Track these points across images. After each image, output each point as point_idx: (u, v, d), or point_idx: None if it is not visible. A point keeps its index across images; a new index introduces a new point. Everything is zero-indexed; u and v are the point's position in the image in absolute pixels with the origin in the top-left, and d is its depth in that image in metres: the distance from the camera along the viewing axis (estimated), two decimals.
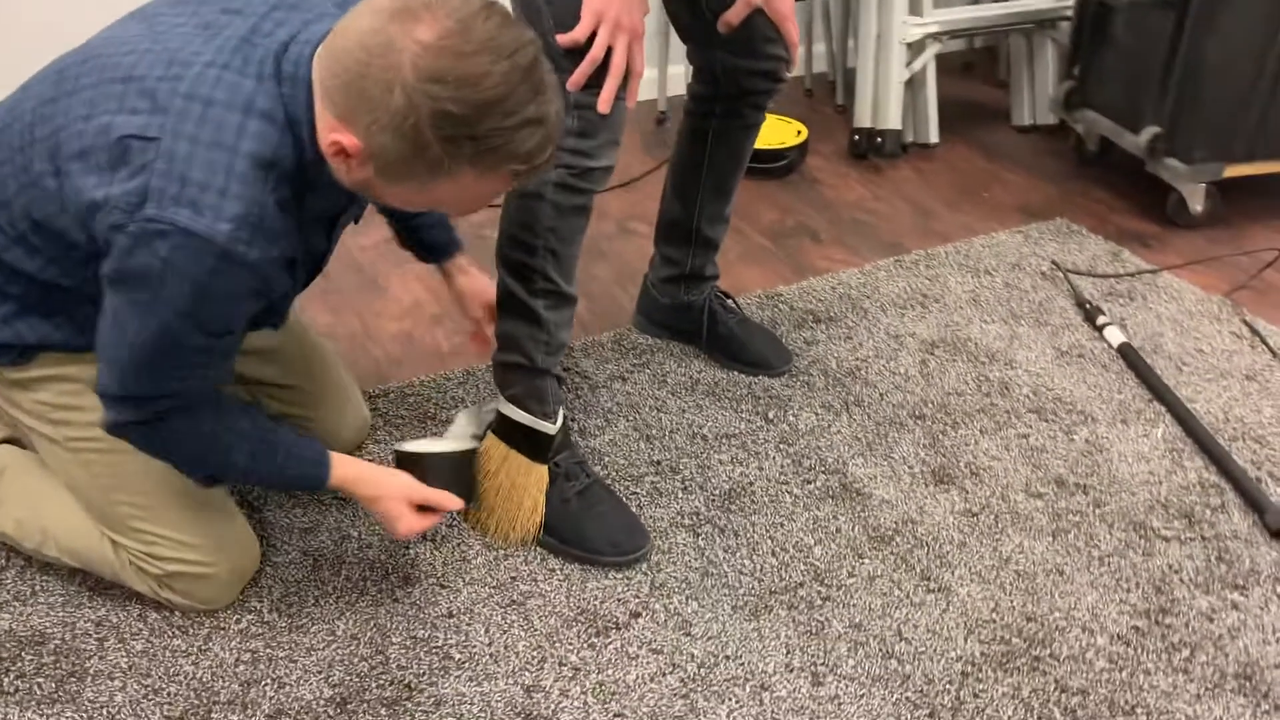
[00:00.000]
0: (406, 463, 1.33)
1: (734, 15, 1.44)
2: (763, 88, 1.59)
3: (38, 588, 1.38)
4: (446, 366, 1.84)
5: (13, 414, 1.28)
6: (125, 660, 1.28)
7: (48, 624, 1.33)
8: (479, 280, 1.54)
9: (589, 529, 1.42)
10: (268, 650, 1.30)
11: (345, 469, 1.26)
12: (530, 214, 1.35)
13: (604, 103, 1.24)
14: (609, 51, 1.22)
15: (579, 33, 1.21)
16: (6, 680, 1.26)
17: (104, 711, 1.22)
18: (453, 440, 1.40)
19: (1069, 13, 2.49)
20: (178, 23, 1.10)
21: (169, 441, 1.18)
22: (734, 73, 1.57)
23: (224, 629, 1.33)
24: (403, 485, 1.29)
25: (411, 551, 1.45)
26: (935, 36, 2.51)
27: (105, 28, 1.17)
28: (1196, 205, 2.23)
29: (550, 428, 1.41)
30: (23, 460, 1.40)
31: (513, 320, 1.42)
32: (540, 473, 1.43)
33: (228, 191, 1.00)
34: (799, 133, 2.54)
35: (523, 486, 1.44)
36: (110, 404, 1.14)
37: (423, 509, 1.30)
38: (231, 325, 1.11)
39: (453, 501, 1.31)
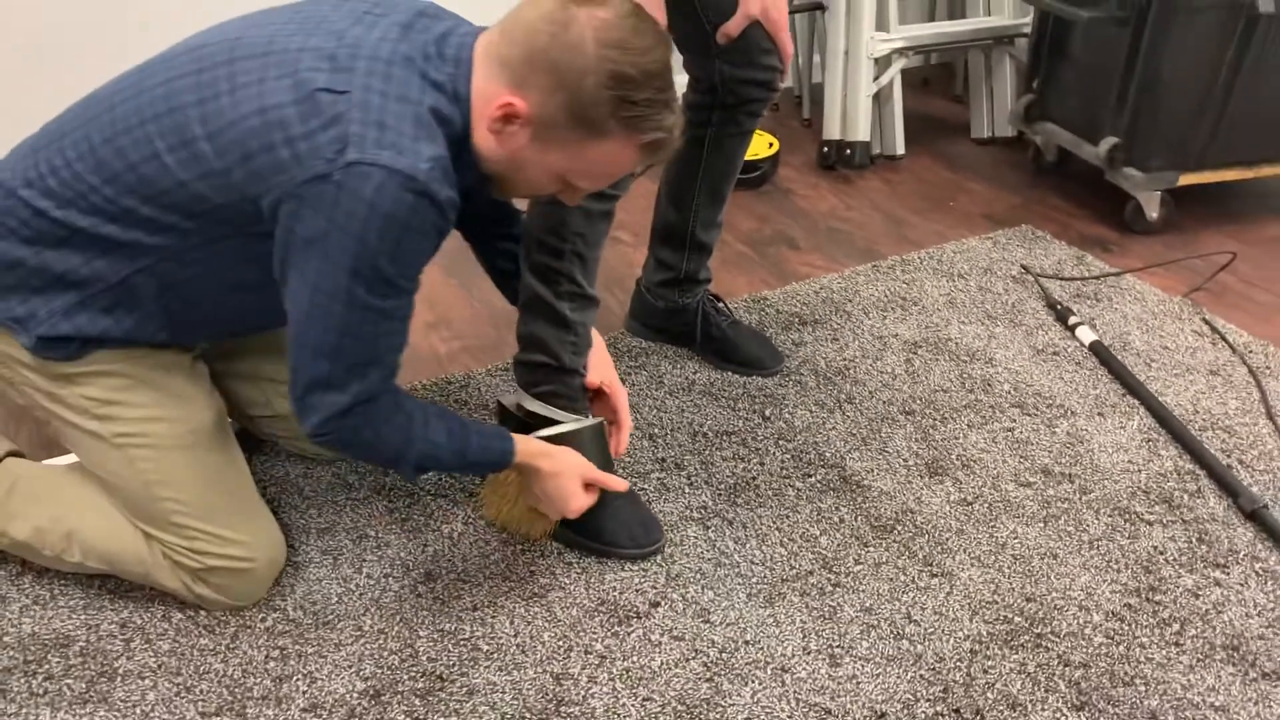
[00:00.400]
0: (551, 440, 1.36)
1: (733, 27, 1.51)
2: (759, 96, 1.65)
3: (56, 592, 1.38)
4: (446, 371, 1.87)
5: (53, 409, 1.28)
6: (154, 660, 1.29)
7: (71, 626, 1.33)
8: (604, 362, 1.53)
9: (607, 523, 1.45)
10: (296, 647, 1.32)
11: (528, 445, 1.30)
12: (558, 219, 1.39)
13: None
14: None
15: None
16: (35, 682, 1.25)
17: (137, 710, 1.23)
18: (572, 420, 1.43)
19: (1027, 29, 2.61)
20: (328, 12, 1.16)
21: (379, 426, 1.18)
22: (732, 82, 1.63)
23: (251, 627, 1.34)
24: (579, 464, 1.34)
25: (430, 548, 1.47)
26: (901, 52, 2.60)
27: (219, 25, 1.21)
28: (1153, 212, 2.35)
29: (577, 421, 1.45)
30: (35, 470, 1.40)
31: (539, 322, 1.46)
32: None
33: (420, 137, 1.07)
34: (771, 144, 2.61)
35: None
36: (318, 396, 1.15)
37: (588, 488, 1.35)
38: (419, 270, 1.14)
39: (618, 482, 1.37)
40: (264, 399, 1.52)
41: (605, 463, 1.41)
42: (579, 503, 1.34)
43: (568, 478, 1.32)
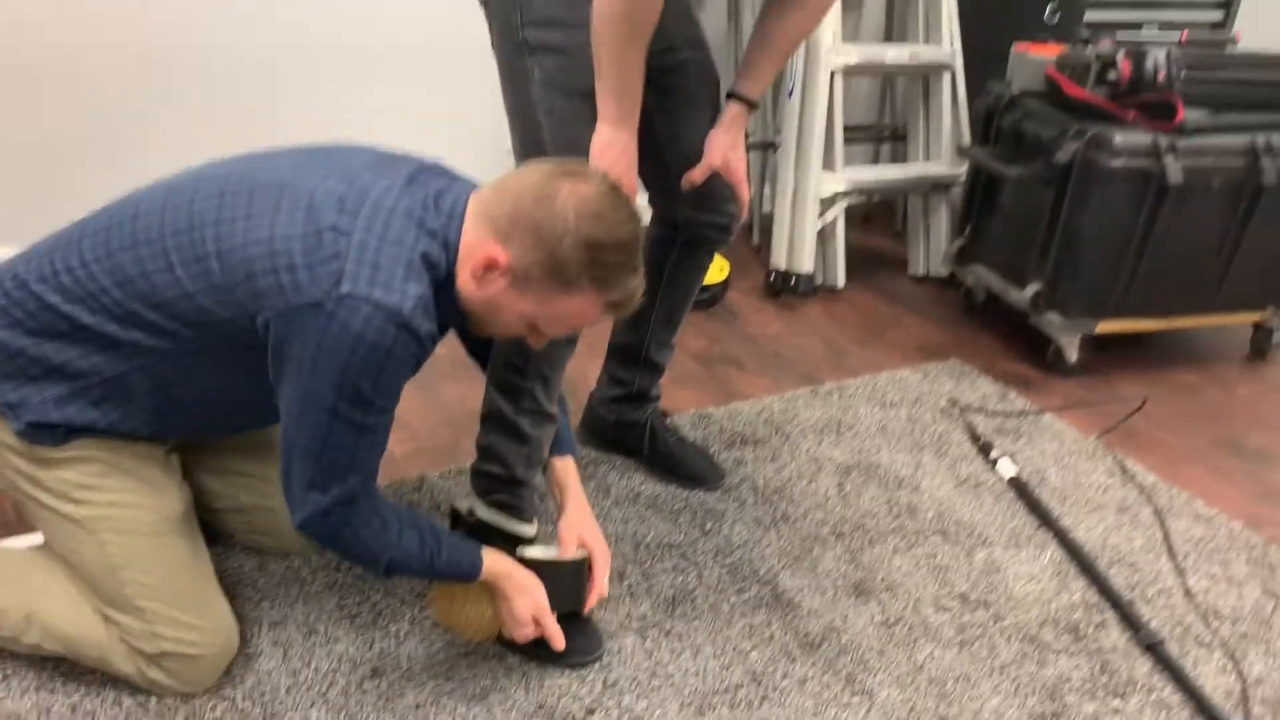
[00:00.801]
0: (528, 567, 1.44)
1: (697, 175, 1.65)
2: (717, 237, 1.79)
3: (9, 672, 1.41)
4: (402, 472, 1.94)
5: (29, 490, 1.34)
6: None
7: (23, 708, 1.36)
8: (577, 517, 1.56)
9: None
10: None
11: (495, 563, 1.39)
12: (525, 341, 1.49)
13: None
14: None
15: None
16: None
17: None
18: (555, 549, 1.51)
19: (962, 178, 2.81)
20: (347, 157, 1.29)
21: (357, 527, 1.27)
22: (693, 224, 1.77)
23: (199, 716, 1.38)
24: (536, 598, 1.42)
25: (377, 645, 1.53)
26: (845, 193, 2.79)
27: (249, 154, 1.32)
28: (1073, 355, 2.52)
29: (529, 530, 1.53)
30: (2, 554, 1.44)
31: (498, 435, 1.55)
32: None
33: (408, 278, 1.18)
34: (722, 269, 2.76)
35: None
36: (304, 497, 1.23)
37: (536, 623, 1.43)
38: (397, 392, 1.24)
39: (559, 640, 1.45)
40: (230, 493, 1.58)
41: (577, 598, 1.49)
42: (523, 633, 1.42)
43: (522, 607, 1.40)
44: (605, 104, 1.42)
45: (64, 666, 1.42)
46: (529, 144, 1.51)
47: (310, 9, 2.53)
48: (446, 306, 1.27)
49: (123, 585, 1.34)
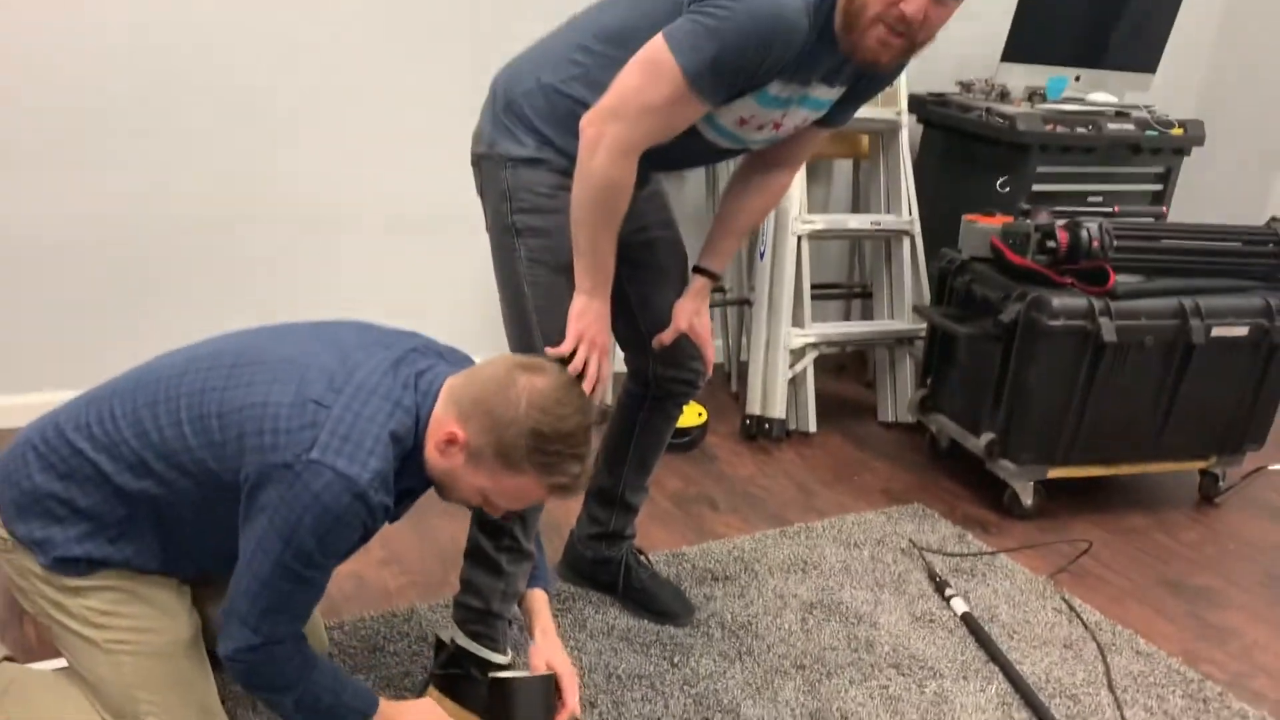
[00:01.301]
0: (496, 686, 1.59)
1: (666, 337, 1.86)
2: (684, 392, 1.99)
3: None
4: (393, 604, 2.09)
5: (55, 615, 1.50)
6: None
7: None
8: (546, 643, 1.71)
9: None
10: None
11: (390, 706, 1.52)
12: None
13: None
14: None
15: (566, 347, 1.60)
16: None
17: None
18: (526, 673, 1.66)
19: (922, 334, 3.03)
20: (344, 336, 1.49)
21: (278, 666, 1.42)
22: (663, 379, 1.97)
23: None
24: (429, 711, 1.56)
25: None
26: (814, 345, 3.01)
27: (255, 332, 1.53)
28: (1026, 499, 2.69)
29: (501, 658, 1.68)
30: (26, 674, 1.59)
31: (478, 570, 1.72)
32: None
33: (373, 453, 1.35)
34: (700, 414, 2.96)
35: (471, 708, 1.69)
36: (237, 629, 1.39)
37: None
38: (340, 553, 1.40)
39: None
40: None
41: (548, 711, 1.62)
42: None
43: None
44: (582, 277, 1.64)
45: None
46: (516, 310, 1.72)
47: (329, 187, 2.81)
48: (414, 473, 1.44)
49: (136, 703, 1.48)
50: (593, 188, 1.56)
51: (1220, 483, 2.90)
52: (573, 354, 1.58)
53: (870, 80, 1.69)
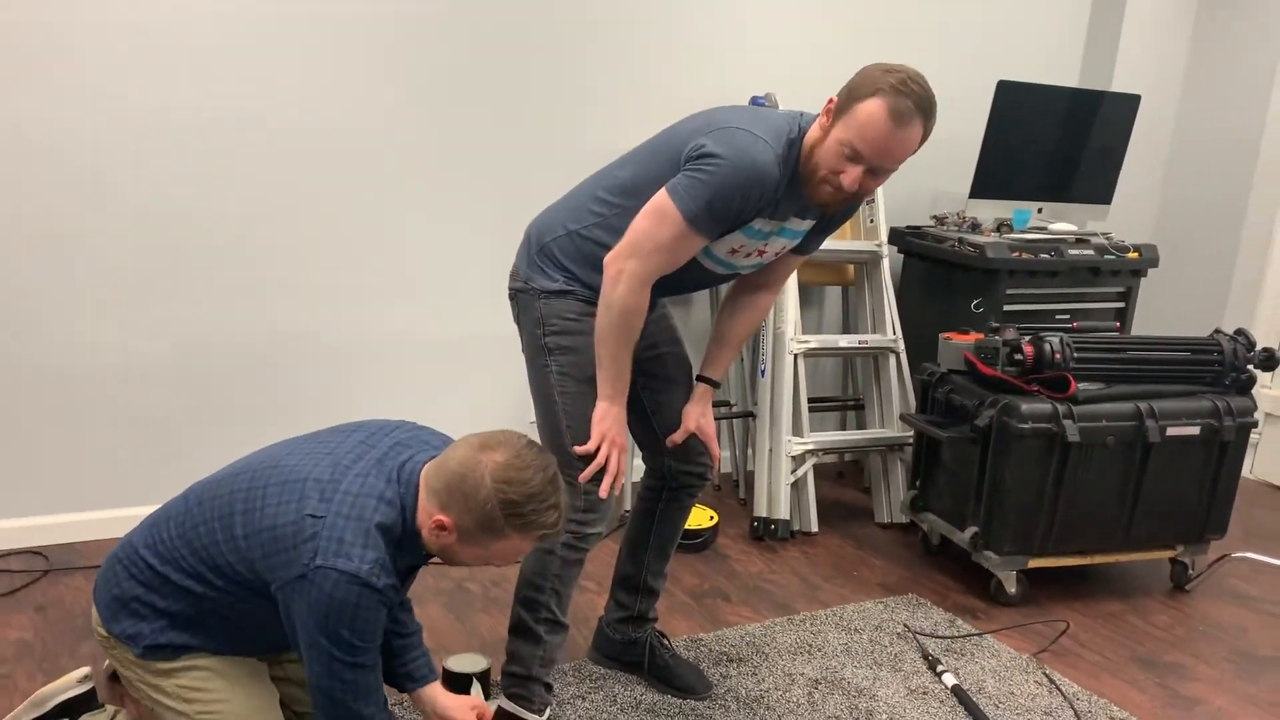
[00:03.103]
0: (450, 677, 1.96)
1: (678, 437, 2.19)
2: (695, 484, 2.30)
3: None
4: None
5: (154, 695, 1.79)
6: None
7: None
8: (448, 708, 1.94)
9: None
10: None
11: None
12: (544, 564, 1.99)
13: (603, 490, 1.93)
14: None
15: (590, 446, 1.92)
16: None
17: None
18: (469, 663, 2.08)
19: (910, 441, 3.35)
20: (338, 444, 1.78)
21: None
22: (676, 473, 2.29)
23: None
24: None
25: None
26: (812, 452, 3.32)
27: (281, 447, 1.83)
28: (1010, 588, 2.96)
29: (536, 718, 1.95)
30: None
31: (520, 640, 2.00)
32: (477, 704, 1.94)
33: (367, 546, 1.63)
34: (711, 518, 3.25)
35: None
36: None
37: None
38: (375, 633, 1.67)
39: None
40: (301, 696, 2.01)
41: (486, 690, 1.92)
42: None
43: None
44: (604, 386, 1.97)
45: None
46: (548, 417, 2.05)
47: (371, 322, 3.18)
48: (413, 550, 1.72)
49: None
50: (615, 314, 1.90)
51: (1190, 570, 3.17)
52: (596, 452, 1.90)
53: (832, 218, 2.07)
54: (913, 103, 1.75)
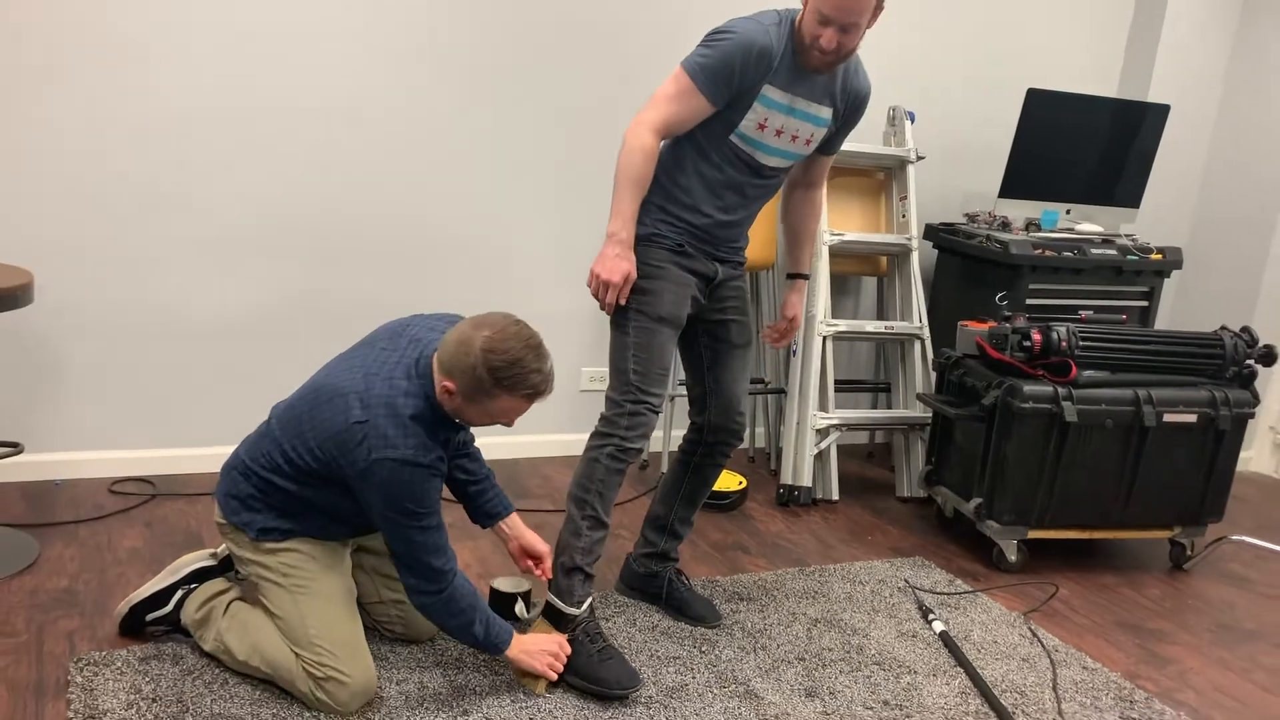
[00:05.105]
0: (496, 596, 2.37)
1: (780, 325, 2.69)
2: (729, 440, 2.63)
3: (233, 692, 2.18)
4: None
5: (259, 571, 2.18)
6: None
7: (244, 713, 2.11)
8: (527, 535, 2.48)
9: (604, 671, 2.29)
10: None
11: (517, 640, 2.23)
12: (591, 469, 2.35)
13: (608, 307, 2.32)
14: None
15: (593, 285, 2.29)
16: None
17: None
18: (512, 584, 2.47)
19: (929, 421, 3.61)
20: (364, 356, 2.15)
21: (453, 606, 2.10)
22: (715, 428, 2.61)
23: None
24: (548, 645, 2.26)
25: (465, 699, 2.26)
26: (836, 427, 3.61)
27: (322, 371, 2.21)
28: (1011, 555, 3.21)
29: (574, 611, 2.30)
30: (244, 612, 2.25)
31: (568, 533, 2.36)
32: (562, 639, 2.31)
33: (407, 434, 2.01)
34: (740, 482, 3.56)
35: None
36: (415, 582, 2.09)
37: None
38: (434, 498, 2.04)
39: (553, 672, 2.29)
40: (373, 589, 2.39)
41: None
42: (547, 672, 2.27)
43: (540, 660, 2.26)
44: (612, 221, 2.28)
45: (271, 691, 2.18)
46: (619, 343, 2.38)
47: (446, 288, 3.56)
48: (446, 425, 2.10)
49: (307, 630, 2.13)
50: (626, 152, 2.25)
51: (1188, 551, 3.38)
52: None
53: (847, 118, 2.49)
54: None
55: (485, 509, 2.47)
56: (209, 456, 3.37)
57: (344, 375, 2.12)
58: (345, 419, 2.04)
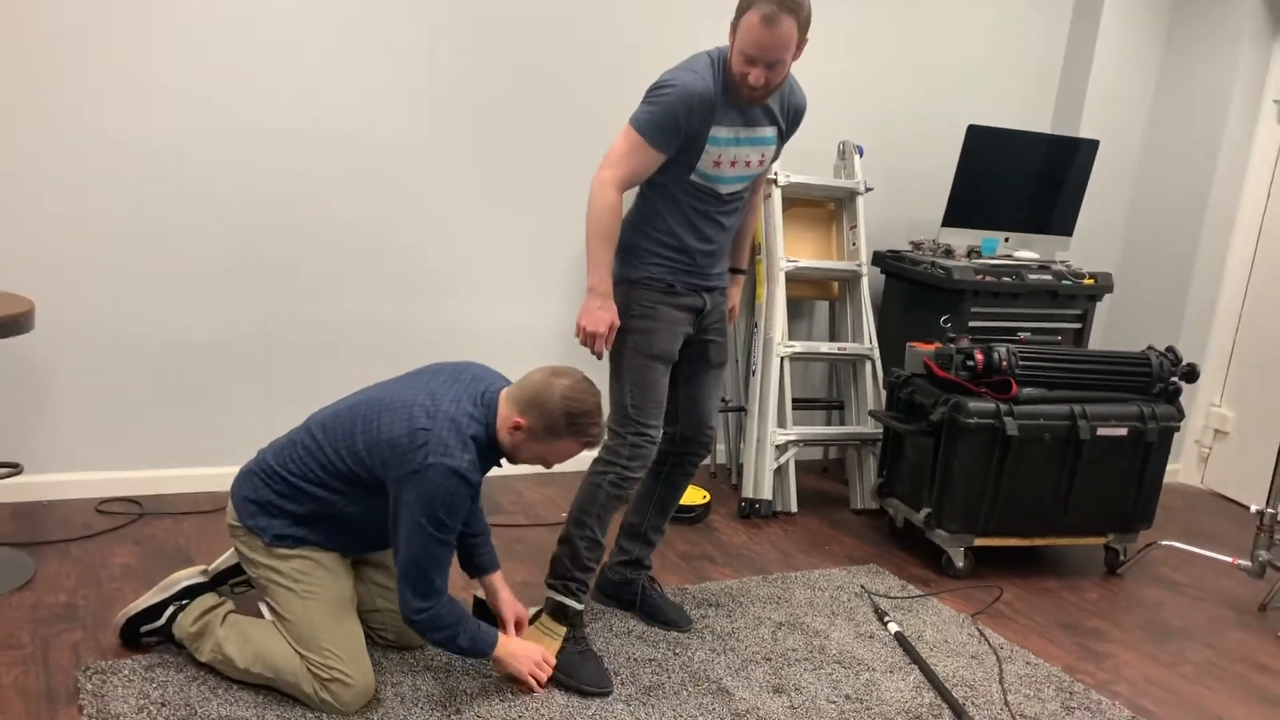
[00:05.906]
0: (481, 605, 2.50)
1: (728, 306, 2.81)
2: (698, 451, 2.81)
3: (237, 696, 2.30)
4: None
5: (271, 576, 2.31)
6: None
7: (249, 715, 2.24)
8: (504, 595, 2.60)
9: (584, 671, 2.46)
10: None
11: (502, 641, 2.37)
12: (593, 495, 2.54)
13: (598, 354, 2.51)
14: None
15: (581, 337, 2.48)
16: None
17: None
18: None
19: (881, 436, 3.83)
20: (430, 380, 2.32)
21: (439, 621, 2.23)
22: (683, 440, 2.79)
23: None
24: (532, 651, 2.40)
25: (455, 701, 2.40)
26: (794, 442, 3.81)
27: (381, 387, 2.37)
28: (959, 562, 3.43)
29: (577, 605, 2.47)
30: (245, 621, 2.38)
31: (566, 549, 2.53)
32: (562, 631, 2.49)
33: (465, 450, 2.17)
34: (704, 497, 3.74)
35: (550, 640, 2.52)
36: (412, 596, 2.21)
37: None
38: (460, 516, 2.19)
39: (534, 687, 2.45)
40: (369, 597, 2.52)
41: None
42: (530, 676, 2.43)
43: (523, 664, 2.41)
44: (589, 276, 2.46)
45: (274, 696, 2.30)
46: (618, 379, 2.58)
47: (430, 308, 3.71)
48: (490, 458, 2.28)
49: (314, 631, 2.26)
50: (593, 212, 2.42)
51: (1121, 556, 3.62)
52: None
53: (789, 130, 2.66)
54: (776, 5, 2.28)
55: (477, 562, 2.61)
56: (194, 477, 3.48)
57: (407, 392, 2.28)
58: (409, 425, 2.19)
